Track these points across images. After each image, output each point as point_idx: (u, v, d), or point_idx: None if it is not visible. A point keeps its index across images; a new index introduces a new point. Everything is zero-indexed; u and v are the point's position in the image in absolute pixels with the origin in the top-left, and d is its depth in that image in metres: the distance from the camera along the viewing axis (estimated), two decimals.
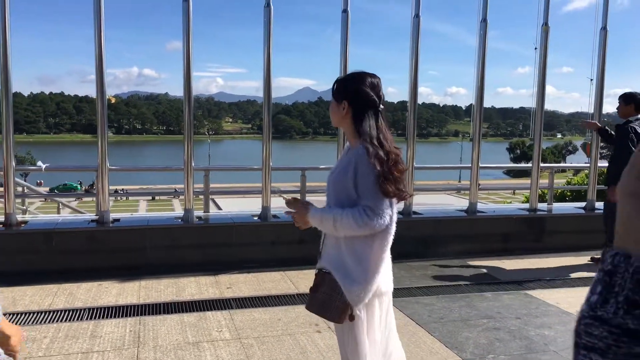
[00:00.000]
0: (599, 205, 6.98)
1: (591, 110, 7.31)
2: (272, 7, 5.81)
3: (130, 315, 4.28)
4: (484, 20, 6.50)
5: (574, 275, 5.70)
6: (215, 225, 5.97)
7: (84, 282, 4.99)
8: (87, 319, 4.21)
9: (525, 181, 9.20)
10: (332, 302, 2.27)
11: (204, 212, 6.48)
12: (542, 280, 5.49)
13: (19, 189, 7.09)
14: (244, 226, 5.95)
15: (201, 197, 6.89)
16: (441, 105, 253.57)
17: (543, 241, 6.80)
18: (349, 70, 6.07)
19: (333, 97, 2.39)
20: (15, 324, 1.52)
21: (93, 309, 4.40)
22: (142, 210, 30.91)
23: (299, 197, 2.89)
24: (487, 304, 4.73)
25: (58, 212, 7.79)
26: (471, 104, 7.20)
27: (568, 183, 15.05)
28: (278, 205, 6.41)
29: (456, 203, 17.77)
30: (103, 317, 4.24)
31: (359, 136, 2.29)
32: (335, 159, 6.34)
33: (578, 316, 0.45)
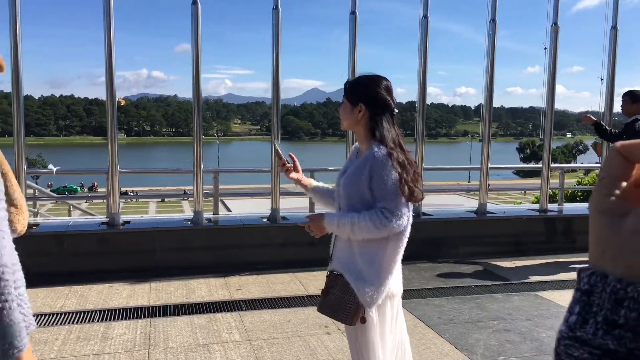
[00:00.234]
0: None
1: (602, 110, 7.26)
2: (280, 9, 5.82)
3: (140, 317, 4.31)
4: (493, 21, 6.47)
5: None
6: (225, 227, 5.98)
7: (95, 284, 5.02)
8: (98, 320, 4.24)
9: (536, 181, 9.15)
10: (345, 304, 2.27)
11: (214, 214, 6.50)
12: (553, 282, 5.45)
13: (30, 191, 7.15)
14: (253, 228, 5.96)
15: (210, 198, 6.92)
16: (450, 105, 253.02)
17: (554, 242, 6.75)
18: (358, 71, 6.08)
19: (346, 99, 2.37)
20: None
21: (104, 310, 4.43)
22: (152, 212, 31.06)
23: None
24: (498, 306, 4.70)
25: (69, 215, 7.85)
26: (480, 104, 7.17)
27: (579, 183, 14.93)
28: (287, 206, 6.43)
29: (466, 203, 17.72)
30: (114, 319, 4.26)
31: (374, 139, 2.29)
32: (344, 160, 6.33)
33: (557, 336, 0.45)
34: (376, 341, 2.29)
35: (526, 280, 5.46)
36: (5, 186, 1.42)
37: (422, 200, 2.44)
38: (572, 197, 12.91)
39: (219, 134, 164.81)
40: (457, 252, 6.31)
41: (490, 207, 6.97)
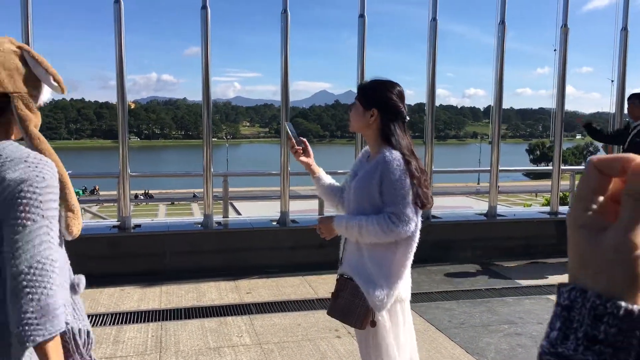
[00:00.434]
0: None
1: (612, 110, 7.21)
2: (289, 12, 5.84)
3: (152, 321, 4.33)
4: (502, 23, 6.45)
5: None
6: (235, 231, 6.00)
7: (106, 287, 5.05)
8: (109, 324, 4.26)
9: (546, 183, 9.10)
10: (355, 308, 2.28)
11: (223, 217, 6.52)
12: None
13: None
14: (263, 231, 5.97)
15: (220, 202, 6.93)
16: (459, 107, 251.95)
17: (565, 245, 6.51)
18: (367, 73, 6.09)
19: (359, 102, 2.38)
20: None
21: (115, 314, 4.46)
22: (162, 214, 31.18)
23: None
24: (508, 309, 4.68)
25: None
26: (489, 105, 7.15)
27: None
28: (296, 209, 6.44)
29: (475, 206, 17.63)
30: (125, 323, 4.29)
31: (385, 143, 2.30)
32: (353, 162, 6.32)
33: (539, 351, 0.45)
34: (390, 344, 2.29)
35: (537, 284, 5.43)
36: (64, 193, 1.54)
37: (432, 206, 2.45)
38: None
39: (228, 137, 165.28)
40: (467, 255, 6.28)
41: (500, 209, 6.94)
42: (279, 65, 5.98)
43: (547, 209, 7.20)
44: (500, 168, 6.69)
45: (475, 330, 4.20)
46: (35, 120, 1.55)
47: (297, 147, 2.54)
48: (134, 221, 5.83)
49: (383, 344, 2.29)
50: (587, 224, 0.45)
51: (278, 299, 4.87)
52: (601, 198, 0.46)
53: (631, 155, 0.44)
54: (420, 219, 2.32)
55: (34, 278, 1.35)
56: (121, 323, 4.28)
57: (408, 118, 2.37)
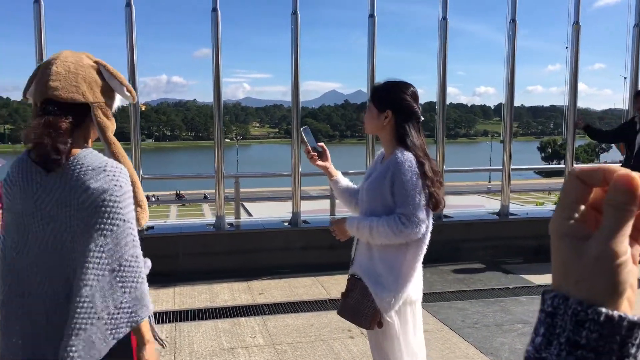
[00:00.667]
0: None
1: (625, 107, 7.15)
2: (299, 14, 5.85)
3: (165, 322, 4.36)
4: (513, 21, 6.42)
5: None
6: (246, 232, 6.02)
7: None
8: None
9: (558, 180, 9.05)
10: (363, 308, 2.29)
11: (235, 218, 6.54)
12: None
13: None
14: (274, 232, 5.99)
15: (232, 203, 6.97)
16: (469, 105, 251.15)
17: None
18: (377, 72, 6.09)
19: (373, 104, 2.38)
20: None
21: None
22: (173, 215, 31.34)
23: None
24: (522, 309, 4.66)
25: None
26: (500, 103, 7.14)
27: None
28: (308, 209, 6.45)
29: (487, 204, 17.56)
30: None
31: (399, 145, 2.30)
32: (363, 162, 6.33)
33: (525, 356, 0.46)
34: (399, 345, 2.29)
35: (551, 283, 5.38)
36: (134, 190, 1.72)
37: (445, 206, 2.45)
38: None
39: (238, 138, 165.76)
40: (480, 255, 6.25)
41: (512, 208, 6.90)
42: (289, 66, 6.00)
43: None
44: (512, 167, 6.65)
45: (489, 330, 4.18)
46: (111, 127, 1.74)
47: (312, 152, 2.54)
48: (147, 223, 5.86)
49: (392, 344, 2.29)
50: (570, 233, 0.46)
51: (290, 300, 4.88)
52: (582, 207, 0.47)
53: (612, 166, 0.46)
54: (431, 220, 2.31)
55: (125, 275, 1.60)
56: None
57: (422, 118, 2.37)
